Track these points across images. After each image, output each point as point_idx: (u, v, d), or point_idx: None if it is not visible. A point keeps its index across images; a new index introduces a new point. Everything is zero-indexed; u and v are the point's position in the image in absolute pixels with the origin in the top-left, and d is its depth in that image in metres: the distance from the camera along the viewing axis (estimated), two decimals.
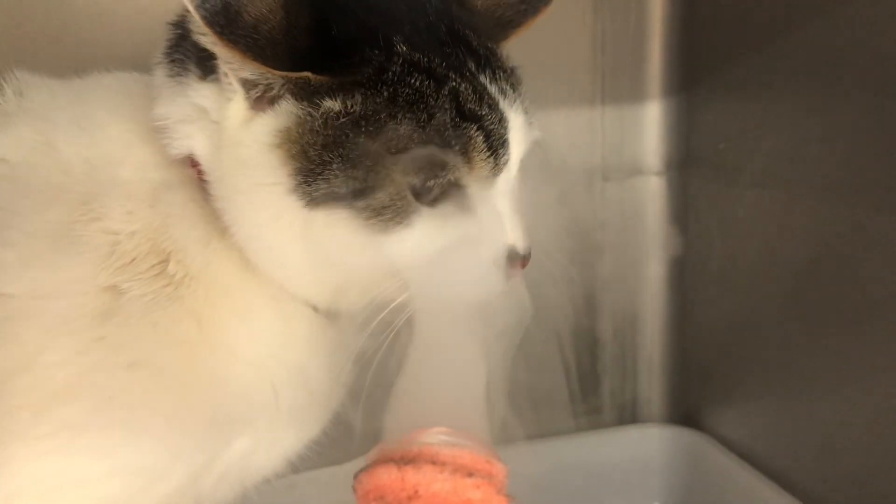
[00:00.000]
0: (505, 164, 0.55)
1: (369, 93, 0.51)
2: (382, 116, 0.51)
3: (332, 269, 0.55)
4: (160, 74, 0.56)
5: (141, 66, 0.61)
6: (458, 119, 0.52)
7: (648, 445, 0.99)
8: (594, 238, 0.97)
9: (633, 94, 0.94)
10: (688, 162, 0.95)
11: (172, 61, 0.55)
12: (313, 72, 0.50)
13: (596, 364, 1.01)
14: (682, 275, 0.99)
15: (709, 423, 0.97)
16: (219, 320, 0.55)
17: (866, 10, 0.69)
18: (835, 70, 0.73)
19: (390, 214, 0.52)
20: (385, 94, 0.51)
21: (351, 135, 0.51)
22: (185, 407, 0.53)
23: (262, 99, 0.52)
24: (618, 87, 0.94)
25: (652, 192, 0.97)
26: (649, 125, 0.95)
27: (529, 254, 0.57)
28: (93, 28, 0.77)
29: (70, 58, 0.75)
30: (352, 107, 0.51)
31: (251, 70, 0.50)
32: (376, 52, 0.52)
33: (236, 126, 0.52)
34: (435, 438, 0.53)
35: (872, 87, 0.69)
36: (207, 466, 0.56)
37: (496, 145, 0.53)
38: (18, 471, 0.49)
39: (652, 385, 1.02)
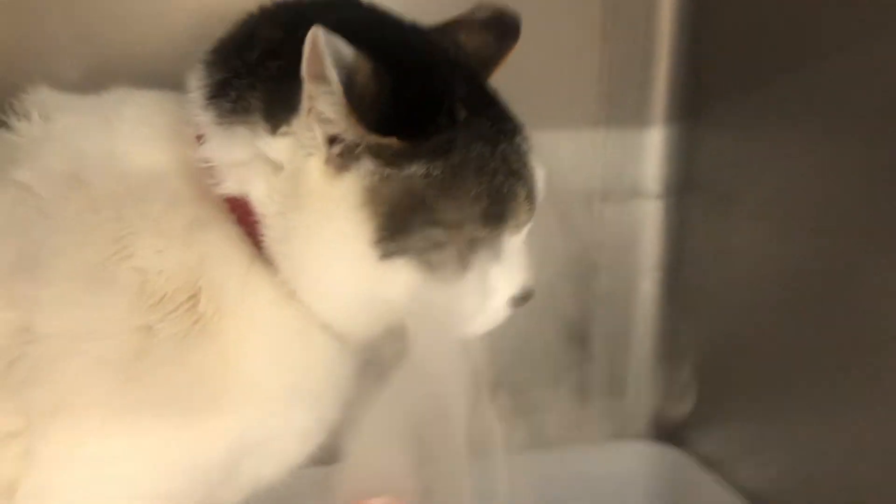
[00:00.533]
0: (534, 212, 0.61)
1: (444, 157, 0.55)
2: (457, 180, 0.55)
3: (385, 310, 0.59)
4: (207, 116, 0.56)
5: (161, 68, 0.63)
6: (509, 178, 0.57)
7: (632, 462, 1.01)
8: (590, 257, 0.99)
9: (636, 118, 0.96)
10: (687, 188, 0.96)
11: (224, 106, 0.56)
12: (398, 137, 0.53)
13: (585, 379, 1.02)
14: (675, 297, 1.01)
15: (693, 443, 0.99)
16: (247, 357, 0.57)
17: (871, 52, 0.70)
18: (837, 110, 0.75)
19: (455, 264, 0.57)
20: (457, 159, 0.55)
21: (430, 196, 0.55)
22: (209, 442, 0.56)
23: (340, 156, 0.54)
24: (622, 111, 0.95)
25: (650, 215, 0.99)
26: (651, 150, 0.97)
27: (534, 290, 0.62)
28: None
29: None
30: (432, 171, 0.54)
31: (349, 132, 0.53)
32: (444, 118, 0.55)
33: (316, 181, 0.54)
34: None
35: (873, 129, 0.71)
36: (222, 483, 0.59)
37: (532, 198, 0.60)
38: (56, 497, 0.53)
39: (639, 402, 1.05)
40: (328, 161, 0.54)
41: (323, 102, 0.52)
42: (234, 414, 0.57)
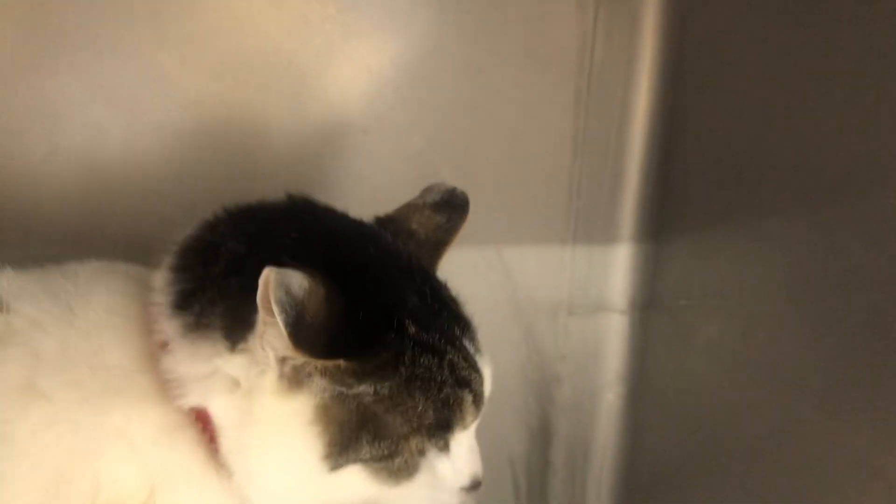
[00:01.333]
0: (481, 411, 0.61)
1: (391, 375, 0.55)
2: (403, 396, 0.56)
3: None
4: (172, 327, 0.57)
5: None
6: (455, 387, 0.58)
7: None
8: (554, 368, 1.01)
9: (604, 236, 0.97)
10: (651, 306, 0.98)
11: (188, 319, 0.56)
12: (345, 358, 0.54)
13: (546, 488, 1.04)
14: (636, 407, 1.02)
15: None
16: None
17: (851, 207, 0.70)
18: (800, 227, 0.76)
19: (403, 471, 0.58)
20: (404, 374, 0.56)
21: (378, 412, 0.56)
22: None
23: (292, 374, 0.55)
24: (590, 228, 0.97)
25: (614, 329, 1.01)
26: (617, 266, 0.98)
27: (482, 479, 0.63)
28: None
29: None
30: (379, 390, 0.55)
31: (297, 358, 0.53)
32: (392, 335, 0.56)
33: (269, 397, 0.55)
34: None
35: (836, 243, 0.72)
36: None
37: (479, 401, 0.60)
38: None
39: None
40: (280, 378, 0.55)
41: (271, 333, 0.53)
42: None
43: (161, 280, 0.59)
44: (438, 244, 0.66)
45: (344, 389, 0.55)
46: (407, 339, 0.56)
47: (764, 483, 0.80)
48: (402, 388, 0.56)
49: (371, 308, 0.55)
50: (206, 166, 0.82)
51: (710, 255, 0.88)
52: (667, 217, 0.96)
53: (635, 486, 1.03)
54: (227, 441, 0.57)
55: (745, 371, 0.81)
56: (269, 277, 0.49)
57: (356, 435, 0.56)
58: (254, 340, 0.54)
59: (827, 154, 0.73)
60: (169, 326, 0.57)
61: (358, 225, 0.63)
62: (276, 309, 0.49)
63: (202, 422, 0.57)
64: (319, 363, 0.54)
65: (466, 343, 0.60)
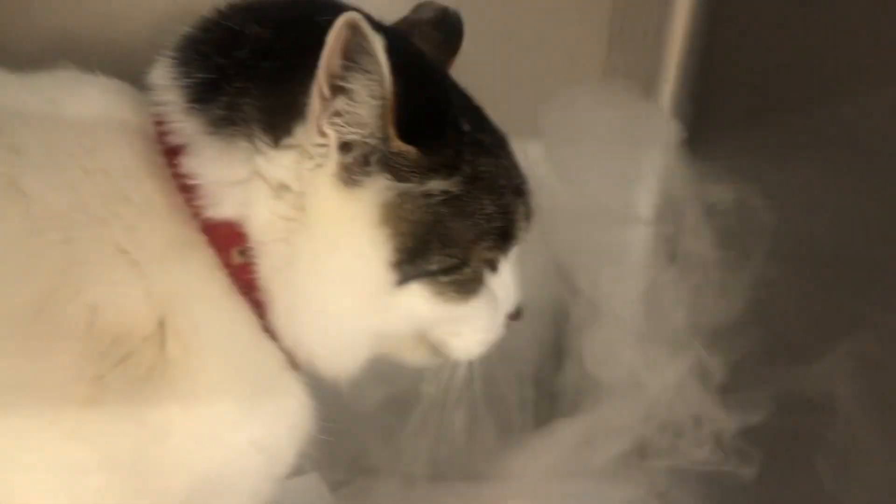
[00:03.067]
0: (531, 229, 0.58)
1: (455, 173, 0.51)
2: (471, 196, 0.52)
3: (381, 342, 0.55)
4: (192, 124, 0.49)
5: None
6: (513, 195, 0.55)
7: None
8: (572, 279, 0.94)
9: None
10: (680, 216, 0.92)
11: (215, 113, 0.49)
12: (416, 146, 0.49)
13: (554, 411, 0.97)
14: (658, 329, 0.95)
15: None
16: (210, 404, 0.49)
17: (878, 95, 0.68)
18: (839, 154, 0.72)
19: (472, 286, 0.54)
20: (468, 173, 0.52)
21: (447, 215, 0.51)
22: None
23: (351, 167, 0.49)
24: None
25: (638, 240, 0.94)
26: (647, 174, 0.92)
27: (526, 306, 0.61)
28: None
29: None
30: (451, 188, 0.51)
31: (375, 135, 0.48)
32: (451, 130, 0.52)
33: (327, 196, 0.49)
34: None
35: (877, 174, 0.68)
36: None
37: (531, 214, 0.57)
38: None
39: None
40: (339, 172, 0.49)
41: (351, 101, 0.46)
42: (186, 474, 0.49)
43: (163, 76, 0.51)
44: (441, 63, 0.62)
45: (412, 187, 0.49)
46: (464, 136, 0.52)
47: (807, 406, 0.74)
48: (469, 189, 0.52)
49: (427, 99, 0.50)
50: None
51: (745, 166, 0.82)
52: (702, 125, 0.90)
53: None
54: (269, 259, 0.50)
55: (784, 283, 0.75)
56: (358, 20, 0.43)
57: (426, 241, 0.51)
58: (303, 131, 0.48)
59: (864, 46, 0.69)
60: (188, 125, 0.49)
61: (384, 24, 0.57)
62: (377, 49, 0.43)
63: (222, 238, 0.50)
64: (395, 146, 0.48)
65: (511, 151, 0.57)
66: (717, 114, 0.88)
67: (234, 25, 0.51)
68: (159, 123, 0.50)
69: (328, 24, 0.47)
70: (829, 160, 0.74)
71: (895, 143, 0.67)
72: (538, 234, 0.93)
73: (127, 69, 0.55)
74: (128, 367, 0.46)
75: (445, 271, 0.52)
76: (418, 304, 0.52)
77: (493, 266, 0.56)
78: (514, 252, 0.57)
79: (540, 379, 0.95)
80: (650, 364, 0.87)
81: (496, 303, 0.57)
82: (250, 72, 0.49)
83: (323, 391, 0.57)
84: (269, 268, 0.50)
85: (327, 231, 0.49)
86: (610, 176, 0.91)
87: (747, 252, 0.81)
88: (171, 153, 0.50)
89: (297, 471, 0.87)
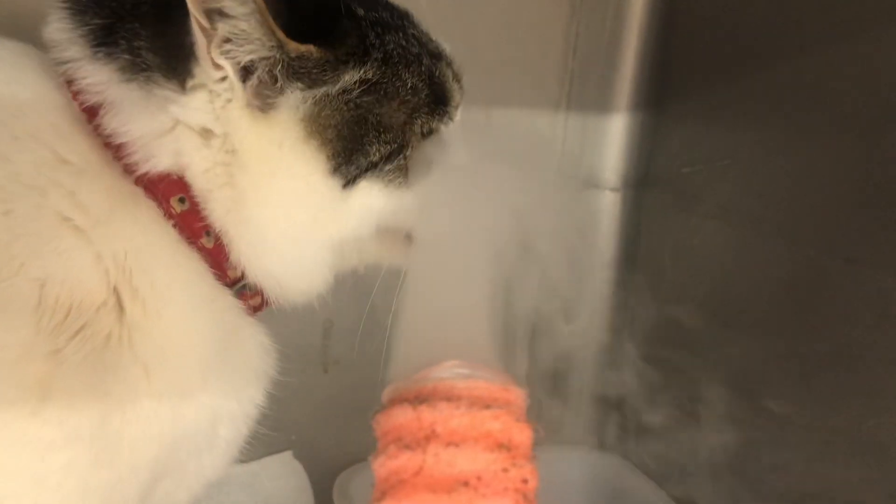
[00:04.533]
0: (463, 92, 0.57)
1: (366, 58, 0.50)
2: (388, 75, 0.51)
3: (349, 244, 0.54)
4: (103, 74, 0.47)
5: None
6: (433, 59, 0.54)
7: (572, 467, 0.95)
8: (538, 249, 0.92)
9: (599, 103, 0.89)
10: (647, 182, 0.91)
11: (121, 60, 0.46)
12: (315, 44, 0.47)
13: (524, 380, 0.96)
14: (627, 299, 0.95)
15: (634, 450, 0.93)
16: (176, 363, 0.48)
17: (846, 50, 0.66)
18: (812, 109, 0.71)
19: (417, 167, 0.53)
20: (378, 54, 0.51)
21: (371, 104, 0.50)
22: (126, 476, 0.47)
23: (261, 91, 0.47)
24: (585, 94, 0.89)
25: (605, 209, 0.93)
26: (612, 139, 0.91)
27: None
28: None
29: None
30: (366, 75, 0.50)
31: (264, 47, 0.46)
32: (346, 20, 0.50)
33: (247, 129, 0.48)
34: (448, 373, 0.52)
35: (849, 131, 0.67)
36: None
37: (459, 77, 0.56)
38: None
39: (580, 408, 0.99)
40: (250, 101, 0.47)
41: (229, 20, 0.44)
42: (155, 439, 0.48)
43: (60, 29, 0.48)
44: None
45: (327, 89, 0.49)
46: (362, 21, 0.51)
47: (787, 328, 0.74)
48: (384, 69, 0.51)
49: None
50: None
51: (715, 116, 0.81)
52: (667, 83, 0.88)
53: (623, 379, 0.96)
54: (218, 204, 0.49)
55: (764, 228, 0.74)
56: None
57: (358, 137, 0.50)
58: (201, 68, 0.46)
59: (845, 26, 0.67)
60: (99, 78, 0.47)
61: None
62: None
63: (162, 191, 0.48)
64: (292, 50, 0.46)
65: (416, 22, 0.56)
66: (678, 75, 0.86)
67: None
68: (70, 82, 0.48)
69: None
70: (790, 118, 0.73)
71: (856, 99, 0.66)
72: None
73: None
74: (84, 338, 0.44)
75: (388, 158, 0.52)
76: (370, 199, 0.52)
77: (432, 141, 0.55)
78: (454, 122, 0.56)
79: None
80: None
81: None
82: (137, 11, 0.47)
83: None
84: (221, 212, 0.49)
85: (261, 164, 0.49)
86: None
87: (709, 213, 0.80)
88: (91, 112, 0.48)
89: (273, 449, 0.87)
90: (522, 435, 0.50)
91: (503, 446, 0.49)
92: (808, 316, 0.71)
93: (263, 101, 0.48)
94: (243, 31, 0.45)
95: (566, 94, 0.89)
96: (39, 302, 0.43)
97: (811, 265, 0.69)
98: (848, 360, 0.67)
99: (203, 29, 0.44)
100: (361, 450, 0.88)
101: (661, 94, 0.89)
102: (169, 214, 0.48)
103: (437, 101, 0.54)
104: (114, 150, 0.47)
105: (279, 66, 0.47)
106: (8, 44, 0.51)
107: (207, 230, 0.50)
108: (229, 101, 0.47)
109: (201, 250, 0.50)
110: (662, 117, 0.88)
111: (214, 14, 0.44)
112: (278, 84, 0.47)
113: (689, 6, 0.85)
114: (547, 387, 0.97)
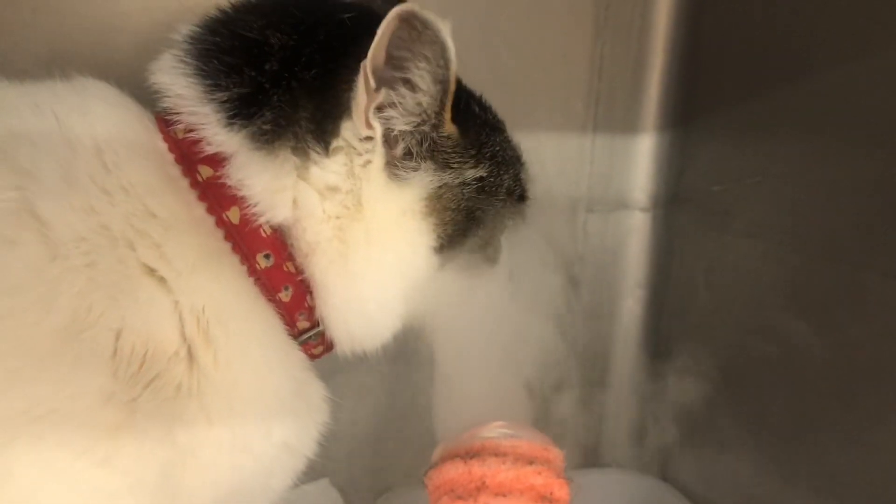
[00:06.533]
0: None
1: (485, 156, 0.55)
2: (496, 177, 0.55)
3: (416, 312, 0.58)
4: (236, 138, 0.49)
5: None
6: (520, 164, 0.59)
7: (610, 490, 0.94)
8: (571, 271, 0.93)
9: (626, 124, 0.90)
10: (676, 201, 0.90)
11: (260, 128, 0.49)
12: (457, 125, 0.52)
13: (560, 406, 0.96)
14: (660, 318, 0.94)
15: (673, 472, 0.93)
16: (242, 414, 0.49)
17: (871, 66, 0.66)
18: (842, 124, 0.70)
19: (493, 256, 0.59)
20: (489, 155, 0.55)
21: (480, 198, 0.55)
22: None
23: (397, 164, 0.51)
24: (612, 115, 0.89)
25: (636, 229, 0.93)
26: (640, 159, 0.91)
27: None
28: None
29: None
30: (482, 172, 0.54)
31: (429, 121, 0.51)
32: (468, 114, 0.54)
33: (376, 191, 0.51)
34: (494, 432, 0.58)
35: (882, 144, 0.66)
36: None
37: (530, 177, 0.61)
38: None
39: (618, 428, 0.98)
40: (387, 165, 0.51)
41: (402, 91, 0.48)
42: (219, 485, 0.49)
43: (186, 87, 0.50)
44: None
45: (452, 177, 0.53)
46: (478, 118, 0.55)
47: (826, 345, 0.72)
48: (493, 168, 0.55)
49: None
50: None
51: (744, 133, 0.80)
52: (693, 103, 0.88)
53: (659, 401, 0.96)
54: (323, 256, 0.52)
55: (798, 245, 0.74)
56: (415, 12, 0.44)
57: (465, 226, 0.54)
58: (348, 129, 0.50)
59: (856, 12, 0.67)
60: (230, 139, 0.49)
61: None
62: (443, 35, 0.45)
63: (250, 245, 0.50)
64: (446, 130, 0.51)
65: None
66: (705, 93, 0.86)
67: (251, 33, 0.50)
68: (190, 131, 0.50)
69: (355, 21, 0.49)
70: (820, 133, 0.72)
71: (888, 112, 0.65)
72: None
73: (116, 72, 0.54)
74: (157, 387, 0.45)
75: (480, 248, 0.57)
76: (451, 280, 0.56)
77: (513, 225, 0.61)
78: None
79: None
80: None
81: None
82: (288, 83, 0.49)
83: None
84: (324, 263, 0.52)
85: (380, 225, 0.52)
86: None
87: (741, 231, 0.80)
88: (202, 163, 0.50)
89: (310, 476, 0.87)
90: (562, 491, 0.56)
91: (545, 499, 0.54)
92: (847, 332, 0.70)
93: (395, 171, 0.51)
94: (416, 102, 0.49)
95: (593, 115, 0.89)
96: (115, 351, 0.44)
97: (848, 281, 0.68)
98: (888, 376, 0.66)
99: (369, 91, 0.47)
100: (396, 476, 0.90)
101: (688, 112, 0.88)
102: (252, 270, 0.50)
103: (520, 201, 0.59)
104: (207, 202, 0.49)
105: (426, 142, 0.51)
106: (103, 91, 0.52)
107: (287, 284, 0.51)
108: (369, 162, 0.50)
109: (277, 303, 0.52)
110: (690, 136, 0.88)
111: (395, 81, 0.48)
112: (414, 160, 0.51)
113: (713, 24, 0.85)
114: (585, 407, 0.97)
